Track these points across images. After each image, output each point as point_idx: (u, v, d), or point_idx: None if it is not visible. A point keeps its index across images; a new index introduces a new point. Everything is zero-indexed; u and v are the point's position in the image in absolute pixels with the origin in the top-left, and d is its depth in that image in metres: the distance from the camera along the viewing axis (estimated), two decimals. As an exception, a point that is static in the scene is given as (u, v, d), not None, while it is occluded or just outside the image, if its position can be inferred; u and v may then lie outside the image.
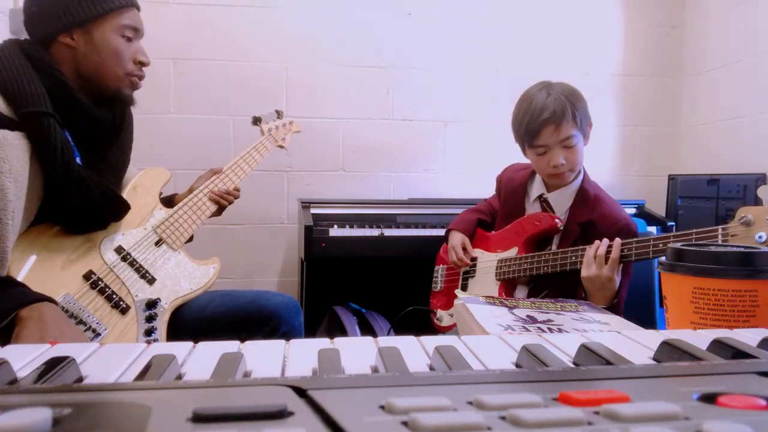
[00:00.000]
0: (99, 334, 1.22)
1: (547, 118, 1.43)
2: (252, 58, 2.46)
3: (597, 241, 1.34)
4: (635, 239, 1.30)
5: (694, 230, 1.18)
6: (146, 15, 2.29)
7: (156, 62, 2.38)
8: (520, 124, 1.50)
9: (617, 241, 1.31)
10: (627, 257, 1.30)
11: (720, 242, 1.12)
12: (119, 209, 1.32)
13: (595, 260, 1.32)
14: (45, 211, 1.22)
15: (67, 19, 1.23)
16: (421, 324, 1.74)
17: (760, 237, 1.04)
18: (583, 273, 1.34)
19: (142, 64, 1.33)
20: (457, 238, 1.70)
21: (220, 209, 1.57)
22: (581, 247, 1.38)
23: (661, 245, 1.23)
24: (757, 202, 1.07)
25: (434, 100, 2.58)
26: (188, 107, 2.43)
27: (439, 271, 1.81)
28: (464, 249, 1.67)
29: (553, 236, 1.54)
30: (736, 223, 1.09)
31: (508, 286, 1.56)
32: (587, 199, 1.50)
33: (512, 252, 1.56)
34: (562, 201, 1.53)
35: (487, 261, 1.62)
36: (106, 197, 1.26)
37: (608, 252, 1.32)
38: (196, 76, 2.43)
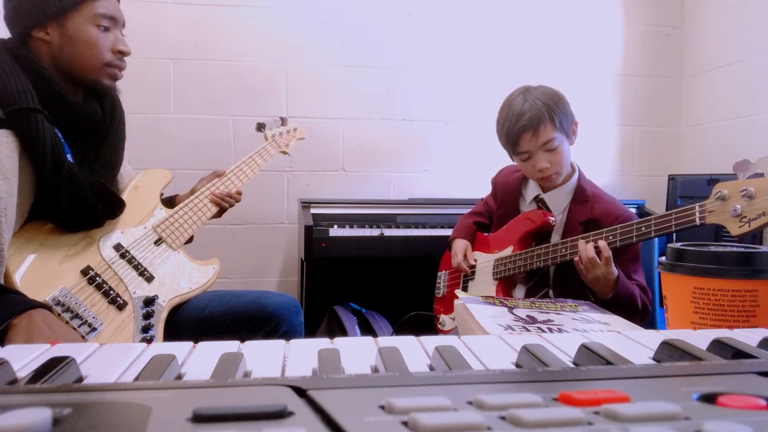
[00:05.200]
0: (95, 329, 1.22)
1: (524, 125, 1.44)
2: (252, 58, 2.46)
3: (581, 244, 1.34)
4: (619, 225, 1.32)
5: (673, 211, 1.20)
6: (146, 15, 2.31)
7: (156, 62, 2.40)
8: (501, 132, 1.52)
9: (602, 243, 1.32)
10: (612, 243, 1.32)
11: (698, 219, 1.13)
12: (113, 206, 1.32)
13: (591, 264, 1.33)
14: (38, 209, 1.21)
15: (38, 14, 1.22)
16: (424, 329, 1.74)
17: (735, 210, 1.04)
18: (588, 277, 1.34)
19: (121, 53, 1.30)
20: (459, 245, 1.71)
21: (221, 211, 1.57)
22: (570, 238, 1.40)
23: (643, 228, 1.25)
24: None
25: (434, 100, 2.58)
26: (188, 107, 2.43)
27: (442, 276, 1.81)
28: (465, 256, 1.68)
29: (549, 234, 1.54)
30: (712, 200, 1.10)
31: (505, 284, 1.56)
32: (585, 197, 1.51)
33: (508, 251, 1.57)
34: (558, 201, 1.54)
35: (485, 262, 1.63)
36: (99, 194, 1.26)
37: (598, 250, 1.33)
38: (196, 76, 2.42)
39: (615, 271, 1.34)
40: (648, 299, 1.43)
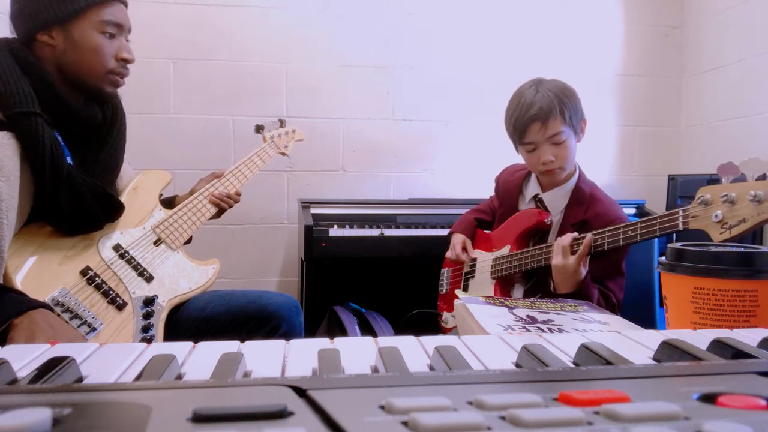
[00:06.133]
0: (94, 329, 1.22)
1: (534, 115, 1.44)
2: (252, 58, 2.46)
3: (567, 234, 1.36)
4: (607, 228, 1.31)
5: (659, 215, 1.19)
6: (146, 15, 2.31)
7: (156, 62, 2.40)
8: (509, 121, 1.51)
9: (588, 236, 1.32)
10: (600, 246, 1.31)
11: (681, 224, 1.12)
12: (113, 209, 1.32)
13: (559, 249, 1.33)
14: (38, 212, 1.21)
15: (44, 18, 1.21)
16: (427, 326, 1.74)
17: (716, 216, 1.03)
18: (552, 260, 1.36)
19: (125, 60, 1.29)
20: (457, 238, 1.72)
21: (220, 212, 1.56)
22: None
23: (630, 232, 1.25)
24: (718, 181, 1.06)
25: (434, 100, 2.58)
26: (188, 107, 2.43)
27: (445, 274, 1.81)
28: (464, 249, 1.68)
29: (547, 233, 1.54)
30: (695, 204, 1.08)
31: (503, 284, 1.56)
32: (583, 198, 1.51)
33: (505, 250, 1.57)
34: (557, 201, 1.53)
35: (485, 261, 1.63)
36: (98, 197, 1.26)
37: (578, 244, 1.33)
38: (196, 76, 2.43)
39: (583, 272, 1.34)
40: (608, 304, 1.42)
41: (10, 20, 1.26)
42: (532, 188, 1.59)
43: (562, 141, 1.45)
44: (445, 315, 1.73)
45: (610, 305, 1.42)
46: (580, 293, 1.33)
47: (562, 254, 1.33)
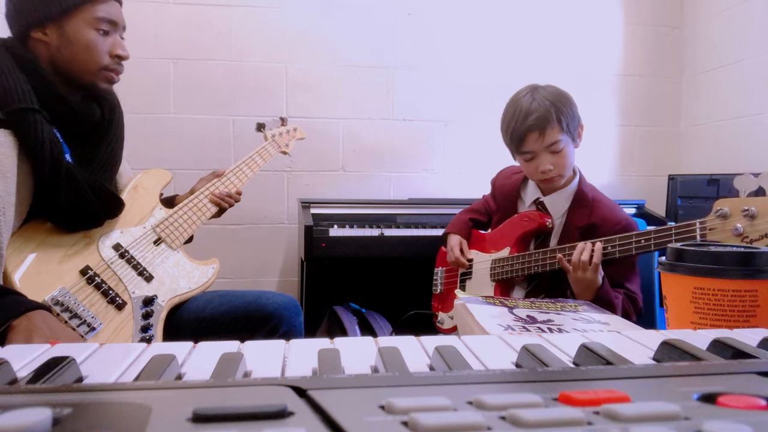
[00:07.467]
0: (94, 329, 1.22)
1: (531, 125, 1.42)
2: (252, 58, 2.46)
3: (580, 244, 1.35)
4: (618, 236, 1.31)
5: (674, 225, 1.19)
6: (146, 15, 2.31)
7: (156, 62, 2.40)
8: (506, 130, 1.50)
9: (598, 246, 1.32)
10: (611, 254, 1.31)
11: (698, 236, 1.12)
12: (113, 206, 1.32)
13: (579, 265, 1.33)
14: (37, 209, 1.22)
15: (37, 15, 1.22)
16: (423, 327, 1.74)
17: (737, 229, 1.02)
18: (571, 278, 1.36)
19: (119, 57, 1.30)
20: (454, 240, 1.70)
21: (221, 211, 1.56)
22: (569, 245, 1.39)
23: (643, 241, 1.24)
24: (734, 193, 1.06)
25: (434, 100, 2.58)
26: (188, 107, 2.43)
27: (439, 273, 1.81)
28: (461, 251, 1.67)
29: (548, 235, 1.53)
30: (712, 217, 1.08)
31: (503, 286, 1.56)
32: (585, 201, 1.50)
33: (505, 252, 1.56)
34: (558, 204, 1.53)
35: (482, 262, 1.62)
36: (98, 193, 1.26)
37: (591, 253, 1.33)
38: (196, 76, 2.42)
39: (599, 279, 1.34)
40: (636, 308, 1.42)
41: (6, 18, 1.26)
42: (531, 192, 1.58)
43: (560, 150, 1.44)
44: (441, 316, 1.72)
45: (637, 309, 1.42)
46: (599, 299, 1.33)
47: (581, 269, 1.33)
